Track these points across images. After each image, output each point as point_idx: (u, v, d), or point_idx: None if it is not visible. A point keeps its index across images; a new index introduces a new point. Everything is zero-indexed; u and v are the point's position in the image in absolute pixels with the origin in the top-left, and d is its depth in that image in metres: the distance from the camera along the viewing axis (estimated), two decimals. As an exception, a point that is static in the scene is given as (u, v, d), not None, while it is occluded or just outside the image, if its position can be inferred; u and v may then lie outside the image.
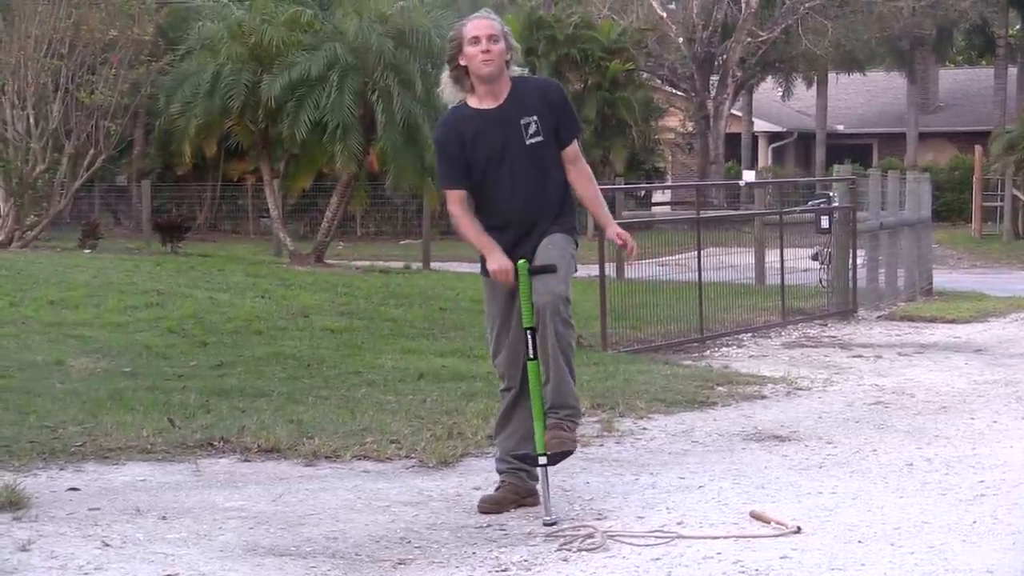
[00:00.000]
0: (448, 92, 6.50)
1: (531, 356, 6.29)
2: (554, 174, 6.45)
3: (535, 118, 6.37)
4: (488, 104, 6.38)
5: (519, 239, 6.37)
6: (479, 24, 6.37)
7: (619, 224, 6.96)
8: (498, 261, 6.29)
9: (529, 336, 6.27)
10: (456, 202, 6.39)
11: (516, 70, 6.48)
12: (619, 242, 6.69)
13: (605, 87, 36.76)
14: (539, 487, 6.34)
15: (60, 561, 5.42)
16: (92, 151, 24.05)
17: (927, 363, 11.93)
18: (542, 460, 6.28)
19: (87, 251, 23.07)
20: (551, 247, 6.39)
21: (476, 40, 6.30)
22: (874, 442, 8.12)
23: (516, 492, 6.45)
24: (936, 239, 24.83)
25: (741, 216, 21.35)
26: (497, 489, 6.48)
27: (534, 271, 6.29)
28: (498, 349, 6.50)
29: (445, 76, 6.47)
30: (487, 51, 6.29)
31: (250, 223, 36.69)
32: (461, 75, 6.38)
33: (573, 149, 6.52)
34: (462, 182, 6.36)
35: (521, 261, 6.30)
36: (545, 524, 6.10)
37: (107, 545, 5.66)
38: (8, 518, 5.95)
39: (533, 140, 6.37)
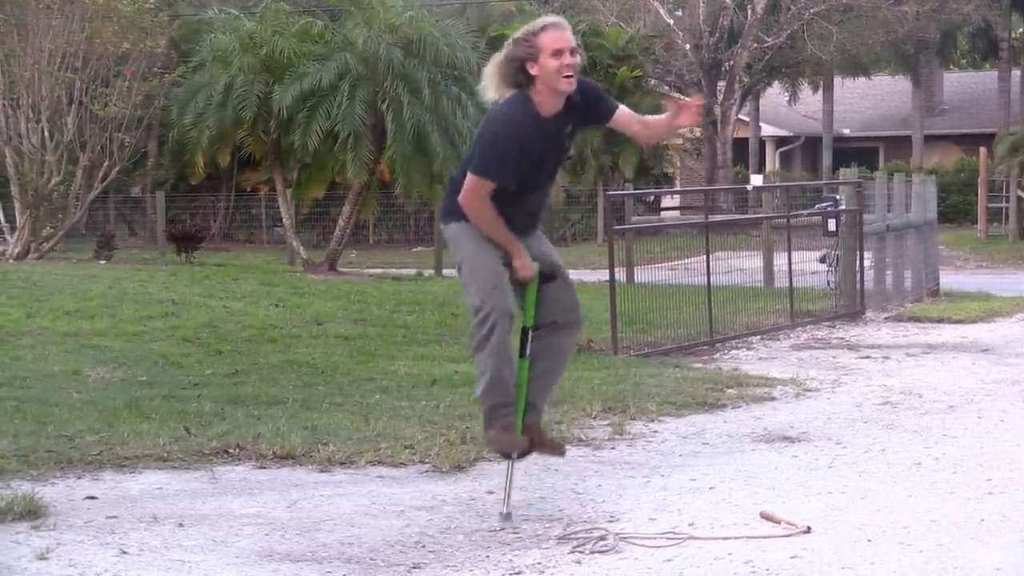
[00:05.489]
0: (492, 91, 6.23)
1: (523, 354, 6.39)
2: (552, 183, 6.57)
3: (572, 127, 6.31)
4: (547, 111, 6.17)
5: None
6: (562, 36, 6.10)
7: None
8: (526, 262, 6.28)
9: (523, 335, 6.38)
10: (485, 193, 6.15)
11: None
12: (694, 110, 6.35)
13: (613, 94, 36.79)
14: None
15: (78, 569, 5.44)
16: (106, 163, 24.21)
17: (934, 363, 11.95)
18: (510, 453, 6.45)
19: (102, 262, 23.19)
20: (552, 252, 6.52)
21: (559, 53, 6.05)
22: (883, 442, 8.14)
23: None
24: (942, 240, 24.82)
25: (749, 220, 21.37)
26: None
27: (545, 278, 6.40)
28: (499, 285, 6.26)
29: (491, 72, 6.20)
30: (571, 66, 6.06)
31: (263, 232, 36.79)
32: (521, 79, 6.13)
33: (624, 112, 6.45)
34: (503, 181, 6.12)
35: (535, 264, 6.34)
36: (502, 516, 6.27)
37: (125, 553, 5.68)
38: (26, 527, 5.97)
39: (568, 148, 6.38)
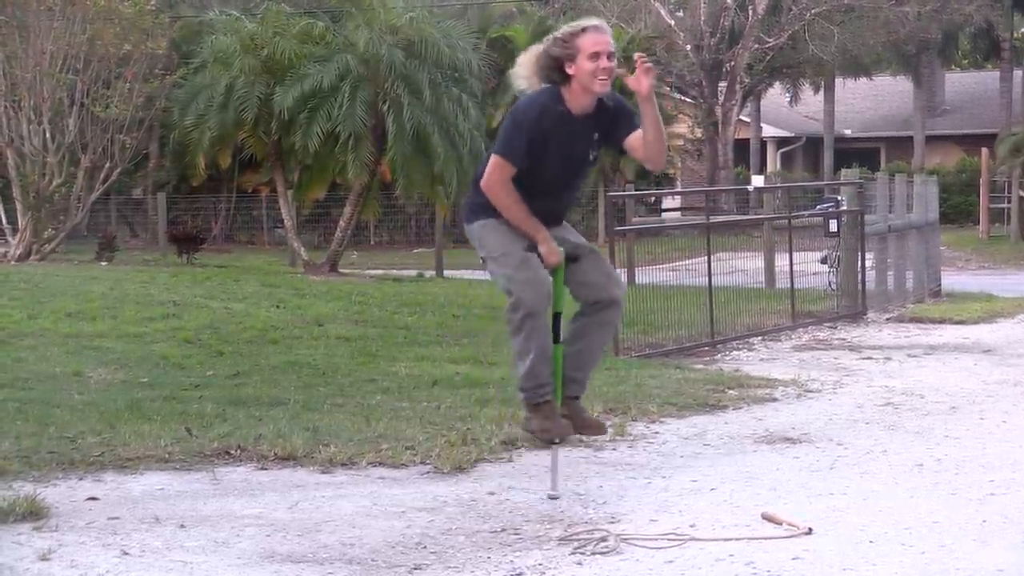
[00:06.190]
0: (523, 83, 6.36)
1: (557, 340, 6.42)
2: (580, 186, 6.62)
3: (597, 135, 6.37)
4: (577, 109, 6.26)
5: None
6: (601, 39, 6.22)
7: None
8: (552, 247, 6.33)
9: (554, 321, 6.40)
10: (508, 176, 6.25)
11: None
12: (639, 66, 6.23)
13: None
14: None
15: (80, 570, 5.44)
16: (108, 164, 24.23)
17: (936, 364, 11.94)
18: (556, 440, 6.57)
19: (104, 263, 23.20)
20: (573, 234, 6.58)
21: (596, 56, 6.17)
22: (884, 443, 8.14)
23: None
24: (944, 241, 24.80)
25: (750, 221, 21.37)
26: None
27: (569, 259, 6.45)
28: (530, 275, 6.29)
29: (526, 62, 6.32)
30: (607, 70, 6.17)
31: (264, 234, 36.82)
32: (556, 77, 6.24)
33: (638, 135, 6.33)
34: (521, 165, 6.23)
35: (561, 249, 6.39)
36: (550, 498, 6.39)
37: (126, 554, 5.68)
38: (28, 528, 5.98)
39: (592, 155, 6.44)
